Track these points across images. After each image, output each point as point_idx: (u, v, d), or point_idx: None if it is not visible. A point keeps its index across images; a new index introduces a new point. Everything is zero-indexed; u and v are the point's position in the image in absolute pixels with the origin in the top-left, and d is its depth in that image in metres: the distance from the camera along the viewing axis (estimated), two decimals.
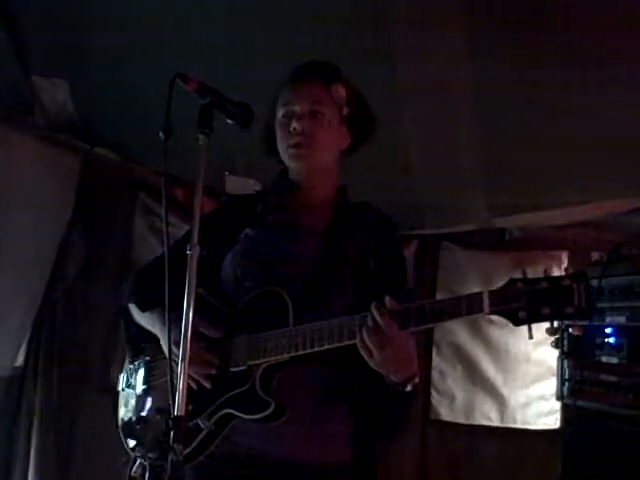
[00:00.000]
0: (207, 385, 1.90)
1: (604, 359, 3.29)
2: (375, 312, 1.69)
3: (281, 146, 2.05)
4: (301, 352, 1.80)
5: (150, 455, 1.81)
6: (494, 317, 4.34)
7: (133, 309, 2.13)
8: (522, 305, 1.59)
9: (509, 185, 3.51)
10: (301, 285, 1.91)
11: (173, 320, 1.69)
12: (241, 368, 1.88)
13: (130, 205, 3.81)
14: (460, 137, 3.19)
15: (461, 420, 4.39)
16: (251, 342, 1.88)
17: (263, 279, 1.94)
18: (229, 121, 1.86)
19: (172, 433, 1.55)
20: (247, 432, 1.89)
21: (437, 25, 2.66)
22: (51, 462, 3.47)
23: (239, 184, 3.71)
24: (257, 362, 1.85)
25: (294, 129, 1.99)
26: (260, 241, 2.02)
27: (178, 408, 1.58)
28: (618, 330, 3.24)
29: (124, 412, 2.16)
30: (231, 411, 1.87)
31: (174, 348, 1.80)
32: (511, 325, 4.07)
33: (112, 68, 3.05)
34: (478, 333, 4.31)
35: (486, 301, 1.62)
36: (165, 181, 1.78)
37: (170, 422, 1.56)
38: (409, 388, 1.76)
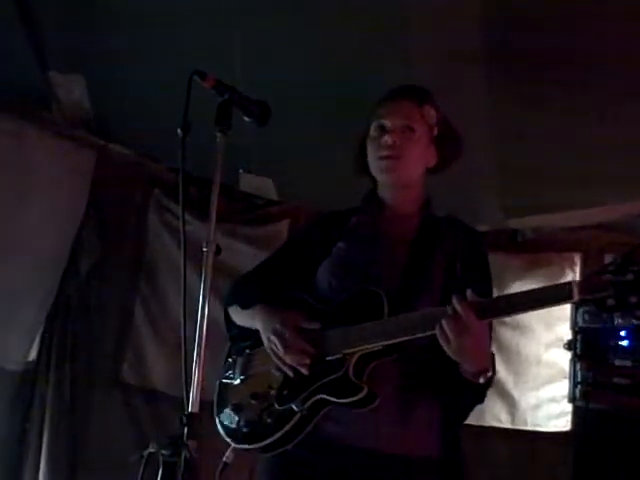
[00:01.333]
0: (304, 372, 1.94)
1: (617, 362, 3.29)
2: (455, 300, 1.75)
3: (372, 159, 2.10)
4: (394, 340, 1.85)
5: (164, 452, 1.82)
6: (506, 318, 4.33)
7: (232, 311, 2.19)
8: (610, 294, 1.68)
9: (523, 186, 3.50)
10: (392, 287, 1.97)
11: (275, 315, 1.92)
12: (336, 356, 1.92)
13: (144, 201, 3.82)
14: (474, 138, 3.18)
15: (471, 421, 4.34)
16: (347, 332, 1.93)
17: (356, 282, 2.01)
18: (246, 118, 1.86)
19: (185, 430, 1.55)
20: (338, 421, 1.92)
21: (453, 26, 2.66)
22: (62, 456, 3.49)
23: (253, 182, 3.72)
24: (352, 350, 1.90)
25: (385, 142, 2.03)
26: (352, 252, 2.09)
27: (192, 405, 1.59)
28: (632, 333, 3.23)
29: (221, 404, 2.16)
30: (324, 396, 1.91)
31: (271, 336, 1.95)
32: (522, 326, 4.02)
33: (128, 65, 3.07)
34: None
35: (575, 289, 1.69)
36: (182, 178, 1.78)
37: (184, 418, 1.57)
38: (482, 380, 1.80)
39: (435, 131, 2.11)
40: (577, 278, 3.96)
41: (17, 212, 3.24)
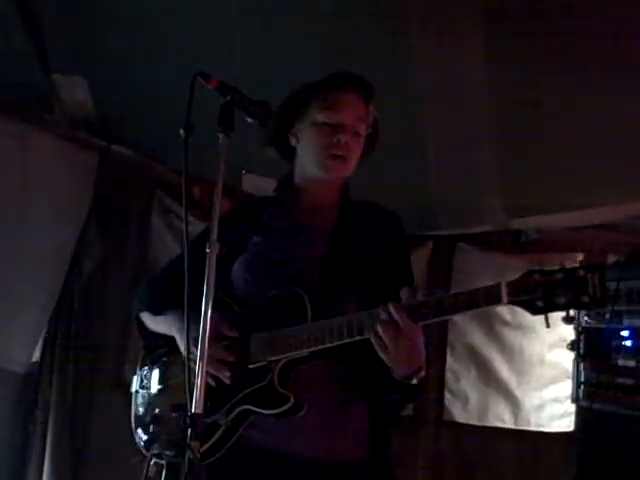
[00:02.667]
0: (226, 381, 1.91)
1: (620, 362, 3.28)
2: (390, 306, 1.73)
3: (315, 151, 2.05)
4: (320, 347, 1.82)
5: (167, 453, 1.82)
6: (508, 318, 4.34)
7: (145, 317, 2.15)
8: (539, 295, 1.64)
9: (526, 186, 3.50)
10: (313, 285, 1.93)
11: (192, 319, 1.69)
12: (260, 364, 1.89)
13: (147, 203, 3.82)
14: (477, 137, 3.18)
15: (474, 422, 4.38)
16: (270, 339, 1.90)
17: (275, 282, 1.96)
18: (249, 120, 1.86)
19: (189, 431, 1.55)
20: (263, 429, 1.90)
21: (455, 26, 2.66)
22: (66, 458, 3.49)
23: (256, 183, 3.72)
24: (277, 358, 1.87)
25: (338, 141, 2.00)
26: (268, 247, 2.04)
27: (195, 405, 1.59)
28: (635, 333, 3.23)
29: (137, 412, 2.16)
30: (249, 407, 1.88)
31: (192, 347, 1.80)
32: (525, 326, 4.04)
33: (130, 66, 3.07)
34: (492, 334, 4.30)
35: (504, 292, 1.67)
36: (185, 180, 1.78)
37: (187, 419, 1.56)
38: (415, 381, 1.80)
39: (369, 130, 2.10)
40: None
41: (20, 214, 3.25)
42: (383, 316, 1.73)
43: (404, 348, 1.73)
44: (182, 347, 1.98)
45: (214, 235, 1.70)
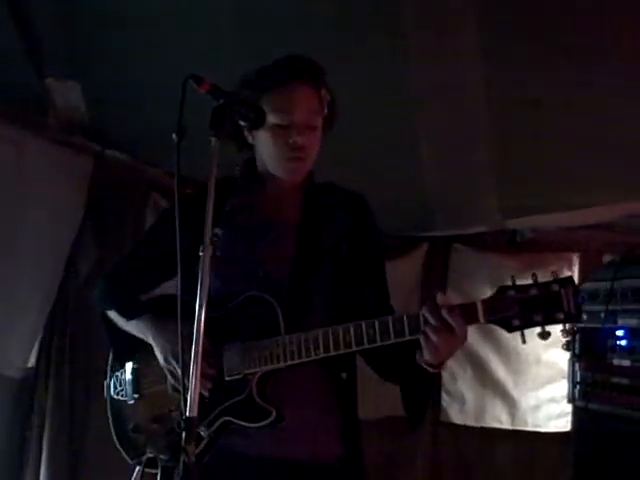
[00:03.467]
0: (205, 394, 1.89)
1: (616, 362, 3.29)
2: (444, 312, 1.70)
3: (274, 154, 2.00)
4: (297, 361, 1.83)
5: (162, 457, 1.82)
6: None
7: (114, 316, 2.11)
8: (514, 313, 1.65)
9: (521, 187, 3.51)
10: (283, 286, 1.93)
11: (172, 329, 1.71)
12: (237, 377, 1.89)
13: (142, 206, 3.81)
14: (473, 138, 3.18)
15: (471, 422, 4.39)
16: (245, 350, 1.89)
17: (245, 283, 1.95)
18: (242, 123, 1.86)
19: (184, 434, 1.55)
20: (244, 434, 1.91)
21: (452, 25, 2.66)
22: (63, 462, 3.47)
23: None
24: (252, 371, 1.88)
25: (294, 142, 1.95)
26: (233, 244, 1.98)
27: (190, 409, 1.59)
28: (630, 333, 3.24)
29: (117, 421, 2.14)
30: (230, 419, 1.89)
31: (171, 359, 1.87)
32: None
33: (124, 70, 3.06)
34: (488, 335, 4.30)
35: (480, 311, 1.68)
36: (177, 183, 1.78)
37: (182, 423, 1.56)
38: (439, 369, 1.80)
39: (325, 113, 2.02)
40: (575, 279, 3.97)
41: (15, 218, 3.24)
42: (433, 322, 1.71)
43: (455, 348, 1.75)
44: (160, 356, 1.98)
45: (207, 238, 1.69)
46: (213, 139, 1.73)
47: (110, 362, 2.18)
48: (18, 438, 3.43)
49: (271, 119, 1.94)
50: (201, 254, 1.67)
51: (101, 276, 2.27)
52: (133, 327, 2.06)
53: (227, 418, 1.89)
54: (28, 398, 3.45)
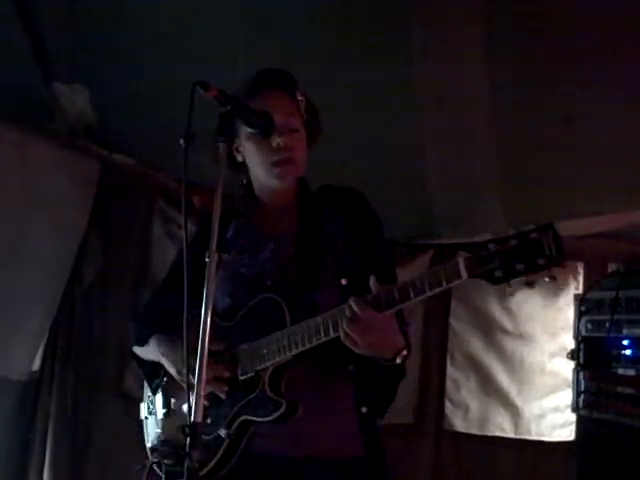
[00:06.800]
0: (222, 396, 1.95)
1: (621, 371, 3.27)
2: (352, 302, 1.75)
3: (260, 162, 2.03)
4: (302, 349, 1.86)
5: (166, 462, 1.83)
6: (509, 326, 4.31)
7: (137, 350, 2.20)
8: (497, 265, 1.65)
9: (526, 195, 3.50)
10: (290, 289, 1.96)
11: (179, 342, 1.73)
12: (249, 375, 1.94)
13: (148, 211, 3.82)
14: (477, 144, 3.18)
15: (475, 431, 4.37)
16: (254, 349, 1.94)
17: (253, 294, 1.99)
18: (249, 129, 1.87)
19: (188, 440, 1.56)
20: (265, 435, 1.94)
21: (455, 25, 2.67)
22: (66, 467, 3.48)
23: None
24: (263, 366, 1.91)
25: (278, 144, 1.97)
26: (238, 264, 2.06)
27: (195, 414, 1.59)
28: (635, 342, 3.22)
29: (149, 438, 2.20)
30: (247, 417, 1.92)
31: (183, 368, 1.88)
32: (526, 335, 4.01)
33: (131, 74, 3.08)
34: (492, 343, 4.30)
35: (462, 266, 1.68)
36: (185, 188, 1.78)
37: (186, 428, 1.57)
38: (398, 361, 1.84)
39: (305, 117, 2.05)
40: (580, 288, 3.97)
41: (20, 223, 3.25)
42: (348, 313, 1.76)
43: (375, 339, 1.77)
44: (171, 370, 2.04)
45: (213, 244, 1.70)
46: (221, 145, 1.74)
47: (145, 388, 2.24)
48: (21, 441, 3.43)
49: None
50: (207, 260, 1.68)
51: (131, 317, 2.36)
52: (149, 352, 2.14)
53: (244, 417, 1.92)
54: (32, 402, 3.46)
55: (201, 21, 2.80)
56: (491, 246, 1.66)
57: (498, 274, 1.65)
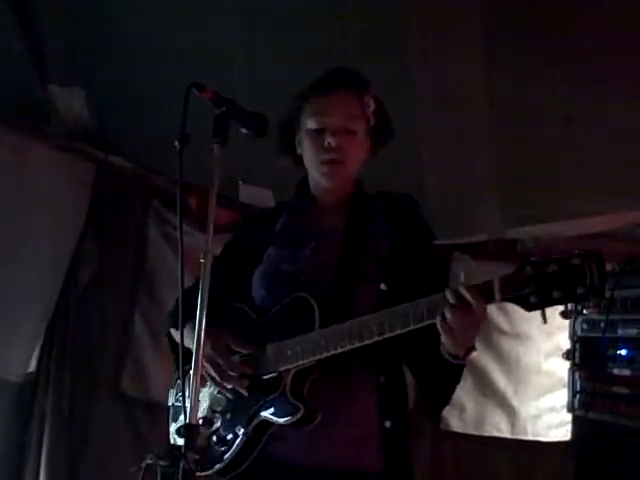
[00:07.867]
0: (244, 393, 1.93)
1: (616, 371, 3.28)
2: (462, 288, 1.65)
3: (312, 159, 2.04)
4: (326, 354, 1.82)
5: (162, 463, 1.83)
6: (505, 327, 4.32)
7: (173, 332, 2.15)
8: (532, 290, 1.56)
9: (522, 196, 3.50)
10: (325, 290, 1.93)
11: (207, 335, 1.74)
12: (272, 375, 1.91)
13: (144, 213, 3.82)
14: (477, 144, 3.18)
15: (471, 431, 4.37)
16: (280, 349, 1.91)
17: (288, 290, 1.96)
18: (244, 130, 1.87)
19: (184, 441, 1.56)
20: (284, 439, 1.91)
21: (455, 25, 2.67)
22: (62, 468, 3.48)
23: (253, 193, 3.72)
24: (286, 367, 1.88)
25: (329, 144, 1.97)
26: (280, 260, 2.04)
27: (190, 416, 1.60)
28: (630, 342, 3.23)
29: (173, 424, 2.18)
30: (265, 417, 1.90)
31: (204, 362, 1.86)
32: (522, 335, 4.01)
33: (127, 76, 3.08)
34: (489, 344, 4.30)
35: (497, 288, 1.61)
36: (180, 190, 1.79)
37: (183, 430, 1.57)
38: (463, 362, 1.76)
39: (372, 122, 2.03)
40: None
41: (16, 224, 3.25)
42: (452, 300, 1.65)
43: (472, 330, 1.68)
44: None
45: (209, 245, 1.71)
46: (216, 146, 1.74)
47: (173, 375, 2.22)
48: (17, 443, 3.43)
49: (310, 124, 2.00)
50: (202, 261, 1.69)
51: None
52: (185, 337, 2.10)
53: (263, 416, 1.90)
54: (28, 403, 3.45)
55: (200, 21, 2.80)
56: (528, 269, 1.57)
57: (533, 300, 1.56)
